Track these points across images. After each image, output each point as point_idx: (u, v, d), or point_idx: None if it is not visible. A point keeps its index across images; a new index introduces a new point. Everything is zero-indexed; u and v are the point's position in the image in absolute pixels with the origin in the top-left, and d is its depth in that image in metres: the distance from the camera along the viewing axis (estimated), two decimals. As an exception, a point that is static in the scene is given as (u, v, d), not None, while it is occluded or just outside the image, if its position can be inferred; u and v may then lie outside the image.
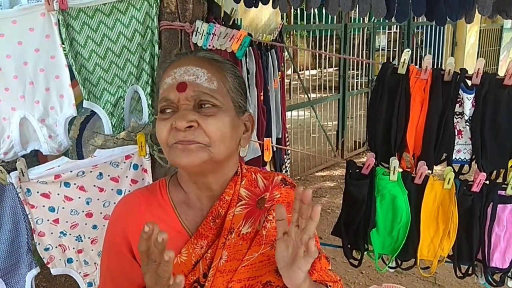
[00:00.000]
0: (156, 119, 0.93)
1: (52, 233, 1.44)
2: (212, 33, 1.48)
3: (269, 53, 2.55)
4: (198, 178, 0.93)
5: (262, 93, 2.43)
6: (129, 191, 1.50)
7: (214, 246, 0.91)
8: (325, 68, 5.57)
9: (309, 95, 5.04)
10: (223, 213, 0.93)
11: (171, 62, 0.94)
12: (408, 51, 1.48)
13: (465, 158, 1.56)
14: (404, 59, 1.46)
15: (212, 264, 0.89)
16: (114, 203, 1.49)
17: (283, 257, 0.83)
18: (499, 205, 1.50)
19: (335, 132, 5.53)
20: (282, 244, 0.83)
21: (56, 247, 1.46)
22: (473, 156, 1.54)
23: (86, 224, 1.47)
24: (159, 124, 0.89)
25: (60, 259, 1.47)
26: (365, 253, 1.67)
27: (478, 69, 1.42)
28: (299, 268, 0.81)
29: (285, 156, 3.22)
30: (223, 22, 1.70)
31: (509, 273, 1.57)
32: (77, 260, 1.50)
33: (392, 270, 1.70)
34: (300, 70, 5.86)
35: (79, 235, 1.48)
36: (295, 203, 0.81)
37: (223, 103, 0.89)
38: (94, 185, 1.44)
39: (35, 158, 1.78)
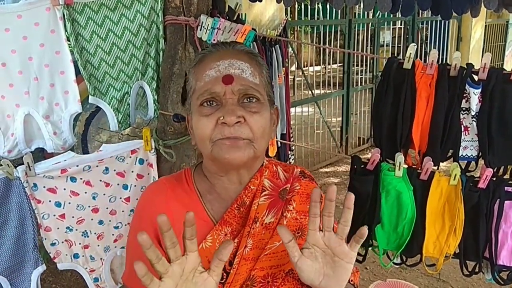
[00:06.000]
0: (190, 113, 0.93)
1: (58, 228, 1.44)
2: (217, 28, 1.47)
3: (273, 48, 2.55)
4: (233, 172, 0.94)
5: (266, 89, 2.42)
6: (135, 186, 1.50)
7: (240, 235, 0.92)
8: (329, 64, 5.55)
9: (313, 91, 5.03)
10: (247, 202, 0.95)
11: (208, 53, 0.94)
12: (414, 45, 1.46)
13: (471, 155, 1.54)
14: (410, 53, 1.45)
15: (238, 252, 0.90)
16: (120, 198, 1.49)
17: (316, 270, 0.81)
18: (506, 202, 1.48)
19: (339, 128, 5.51)
20: (306, 261, 0.81)
21: (63, 242, 1.46)
22: (480, 153, 1.52)
23: (92, 219, 1.47)
24: (201, 119, 0.88)
25: (66, 254, 1.48)
26: (370, 248, 1.67)
27: (485, 63, 1.41)
28: (348, 262, 0.79)
29: (289, 152, 3.22)
30: (227, 17, 1.69)
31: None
32: (83, 256, 1.50)
33: (396, 266, 1.69)
34: (304, 66, 5.84)
35: (85, 230, 1.48)
36: (312, 207, 0.79)
37: (264, 97, 0.92)
38: (100, 180, 1.44)
39: (41, 154, 1.78)
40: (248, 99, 0.89)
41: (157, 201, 0.96)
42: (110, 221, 1.51)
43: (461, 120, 1.50)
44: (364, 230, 0.76)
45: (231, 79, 0.88)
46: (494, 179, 1.49)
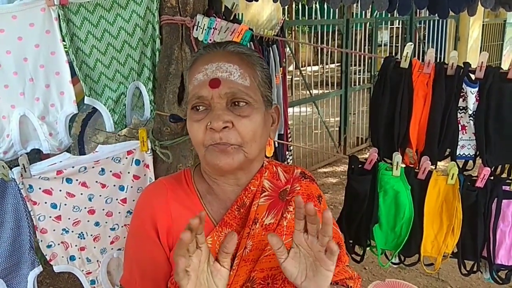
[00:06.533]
0: (186, 118, 0.94)
1: (54, 230, 1.43)
2: (213, 28, 1.46)
3: (270, 48, 2.53)
4: (229, 175, 0.94)
5: (264, 89, 2.41)
6: (131, 187, 1.49)
7: (239, 237, 0.91)
8: (327, 64, 5.55)
9: (311, 91, 5.02)
10: (247, 203, 0.94)
11: (199, 56, 0.94)
12: (411, 44, 1.46)
13: (469, 154, 1.54)
14: (407, 52, 1.45)
15: (237, 254, 0.90)
16: (117, 199, 1.48)
17: (300, 271, 0.83)
18: (503, 201, 1.48)
19: (337, 128, 5.51)
20: (291, 262, 0.83)
21: (59, 244, 1.45)
22: (477, 152, 1.52)
23: (88, 221, 1.47)
24: (193, 125, 0.89)
25: (62, 257, 1.47)
26: (368, 248, 1.66)
27: (482, 62, 1.40)
28: (327, 269, 0.81)
29: (287, 152, 3.21)
30: (223, 17, 1.69)
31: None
32: (79, 258, 1.49)
33: (395, 266, 1.69)
34: (302, 66, 5.84)
35: (82, 232, 1.47)
36: (297, 212, 0.81)
37: (255, 99, 0.90)
38: (96, 181, 1.43)
39: (37, 155, 1.77)
40: (237, 103, 0.88)
41: (156, 202, 0.96)
42: (106, 222, 1.50)
43: (458, 119, 1.49)
44: (335, 247, 0.77)
45: (217, 83, 0.87)
46: (492, 178, 1.49)
